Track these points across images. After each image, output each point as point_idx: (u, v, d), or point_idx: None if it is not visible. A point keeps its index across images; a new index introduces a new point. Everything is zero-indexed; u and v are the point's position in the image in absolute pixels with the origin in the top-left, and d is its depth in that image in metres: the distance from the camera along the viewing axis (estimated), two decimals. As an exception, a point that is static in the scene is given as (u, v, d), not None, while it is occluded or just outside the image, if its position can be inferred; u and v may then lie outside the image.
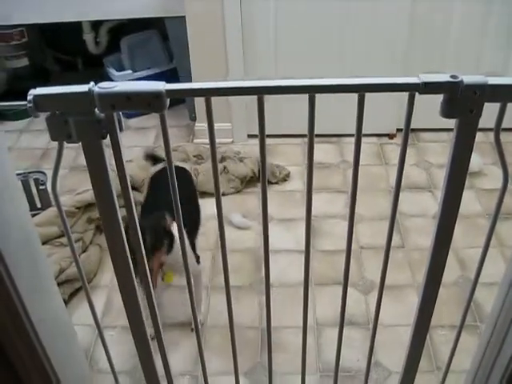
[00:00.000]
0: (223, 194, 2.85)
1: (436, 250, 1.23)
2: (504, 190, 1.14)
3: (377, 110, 2.49)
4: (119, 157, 1.05)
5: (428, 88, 0.96)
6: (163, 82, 0.97)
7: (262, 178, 1.12)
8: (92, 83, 0.96)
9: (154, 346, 1.41)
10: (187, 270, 1.27)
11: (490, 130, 1.04)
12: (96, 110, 0.98)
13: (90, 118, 0.99)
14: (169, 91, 0.96)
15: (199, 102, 3.36)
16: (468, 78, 0.95)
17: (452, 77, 0.95)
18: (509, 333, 1.33)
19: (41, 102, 0.96)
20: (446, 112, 0.99)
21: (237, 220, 2.85)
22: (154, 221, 2.00)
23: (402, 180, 1.15)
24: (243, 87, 0.99)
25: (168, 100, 0.97)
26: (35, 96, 0.96)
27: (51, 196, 2.72)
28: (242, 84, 0.98)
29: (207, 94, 0.99)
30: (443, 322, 2.26)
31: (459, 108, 0.98)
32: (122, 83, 0.96)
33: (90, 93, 0.95)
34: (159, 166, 2.50)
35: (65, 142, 1.04)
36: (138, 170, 2.94)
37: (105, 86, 0.95)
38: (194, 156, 3.24)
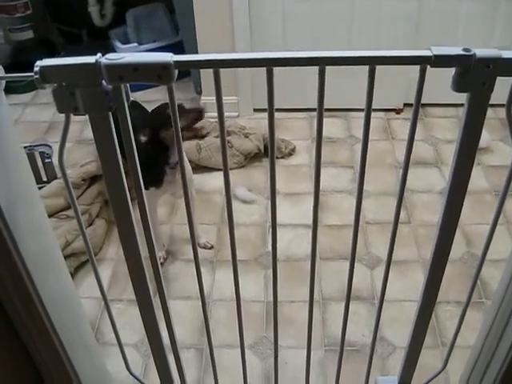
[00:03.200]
0: (229, 169, 2.85)
1: (444, 226, 1.23)
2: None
3: (384, 85, 2.45)
4: (127, 129, 1.04)
5: (439, 61, 0.95)
6: (171, 54, 0.95)
7: (270, 152, 1.11)
8: (99, 54, 0.95)
9: (160, 318, 1.42)
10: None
11: (498, 105, 1.02)
12: (103, 81, 0.97)
13: (97, 90, 0.98)
14: (177, 62, 0.95)
15: (205, 75, 3.34)
16: (481, 52, 0.93)
17: (464, 50, 0.93)
18: (515, 309, 1.33)
19: (48, 74, 0.95)
20: (458, 86, 0.98)
21: (241, 193, 2.84)
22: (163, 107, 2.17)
23: (409, 155, 1.14)
24: (253, 59, 0.97)
25: (176, 72, 0.96)
26: (42, 67, 0.95)
27: (57, 169, 2.74)
28: (251, 56, 0.96)
29: (216, 65, 0.97)
30: (448, 297, 2.26)
31: (471, 82, 0.97)
32: (130, 54, 0.95)
33: (97, 64, 0.94)
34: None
35: (71, 115, 1.03)
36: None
37: (112, 58, 0.94)
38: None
